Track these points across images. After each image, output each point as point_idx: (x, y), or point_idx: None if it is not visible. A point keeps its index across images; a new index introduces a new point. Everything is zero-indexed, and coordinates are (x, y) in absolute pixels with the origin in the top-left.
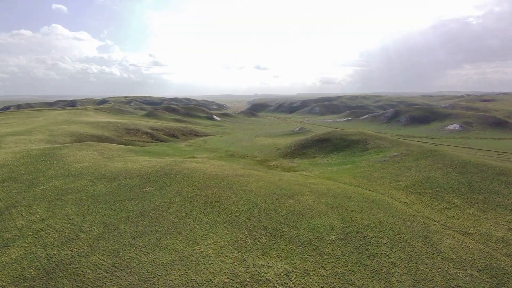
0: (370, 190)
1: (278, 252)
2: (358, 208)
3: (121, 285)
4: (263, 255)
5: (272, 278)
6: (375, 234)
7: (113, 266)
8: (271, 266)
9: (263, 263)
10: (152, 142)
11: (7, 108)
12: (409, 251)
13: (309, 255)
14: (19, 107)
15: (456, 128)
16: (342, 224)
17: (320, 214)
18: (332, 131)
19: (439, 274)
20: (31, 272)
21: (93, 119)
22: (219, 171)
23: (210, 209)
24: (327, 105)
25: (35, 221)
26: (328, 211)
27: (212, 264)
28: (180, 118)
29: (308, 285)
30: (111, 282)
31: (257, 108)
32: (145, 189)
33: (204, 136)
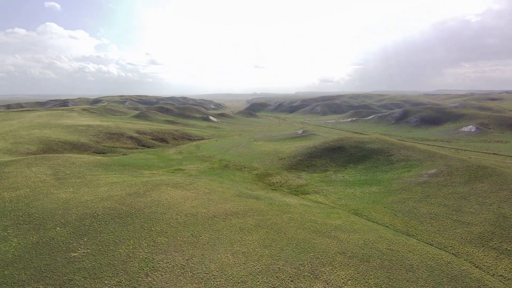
0: (432, 245)
1: None
2: None
3: None
4: None
5: None
6: None
7: None
8: None
9: None
10: (137, 148)
11: None
12: None
13: None
14: (8, 107)
15: (472, 130)
16: None
17: None
18: (344, 137)
19: None
20: None
21: (74, 122)
22: (202, 207)
23: None
24: (328, 104)
25: None
26: None
27: None
28: (173, 120)
29: None
30: None
31: (256, 107)
32: (73, 253)
33: (198, 140)
